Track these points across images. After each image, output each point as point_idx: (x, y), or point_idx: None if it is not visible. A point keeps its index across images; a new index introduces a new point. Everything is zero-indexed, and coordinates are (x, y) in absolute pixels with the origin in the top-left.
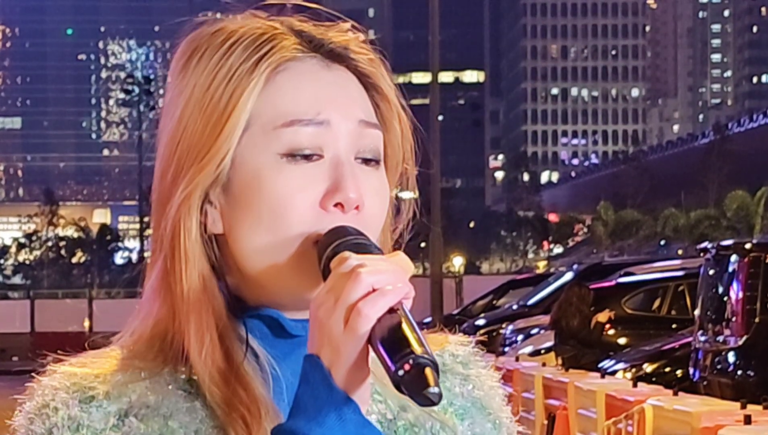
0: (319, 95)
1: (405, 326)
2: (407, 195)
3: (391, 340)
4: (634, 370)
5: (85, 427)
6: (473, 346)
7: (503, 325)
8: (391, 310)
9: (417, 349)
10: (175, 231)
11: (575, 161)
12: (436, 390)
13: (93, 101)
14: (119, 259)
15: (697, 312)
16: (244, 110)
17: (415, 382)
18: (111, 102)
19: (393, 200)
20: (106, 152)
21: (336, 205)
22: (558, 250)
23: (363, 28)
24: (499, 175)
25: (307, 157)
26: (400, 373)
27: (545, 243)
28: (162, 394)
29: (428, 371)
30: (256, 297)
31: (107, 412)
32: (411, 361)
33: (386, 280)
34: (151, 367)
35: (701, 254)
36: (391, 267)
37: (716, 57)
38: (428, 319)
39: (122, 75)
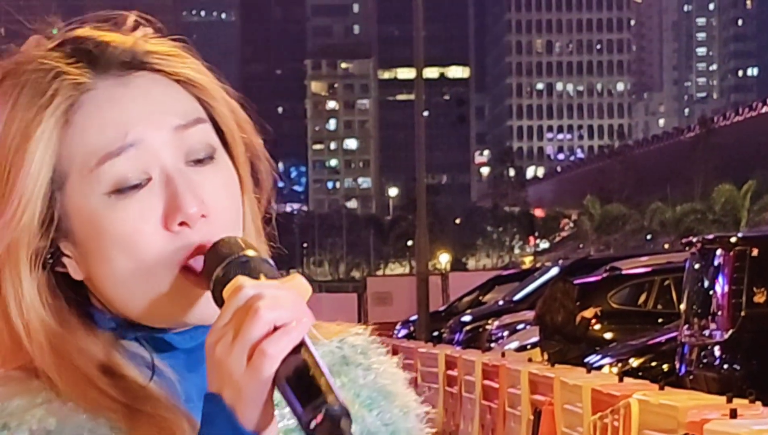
0: (121, 118)
1: (311, 367)
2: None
3: (298, 384)
4: (620, 364)
5: None
6: (369, 334)
7: (489, 321)
8: (295, 347)
9: (328, 397)
10: (12, 298)
11: (561, 156)
12: None
13: None
14: None
15: (682, 306)
16: (40, 166)
17: (329, 433)
18: None
19: (247, 172)
20: None
21: (180, 224)
22: (544, 245)
23: (146, 17)
24: (485, 170)
25: (136, 186)
26: (312, 425)
27: (531, 238)
28: (62, 416)
29: (344, 423)
30: (136, 319)
31: None
32: (323, 412)
33: (287, 316)
34: (47, 387)
35: (687, 248)
36: (290, 296)
37: (701, 50)
38: (414, 317)
39: None
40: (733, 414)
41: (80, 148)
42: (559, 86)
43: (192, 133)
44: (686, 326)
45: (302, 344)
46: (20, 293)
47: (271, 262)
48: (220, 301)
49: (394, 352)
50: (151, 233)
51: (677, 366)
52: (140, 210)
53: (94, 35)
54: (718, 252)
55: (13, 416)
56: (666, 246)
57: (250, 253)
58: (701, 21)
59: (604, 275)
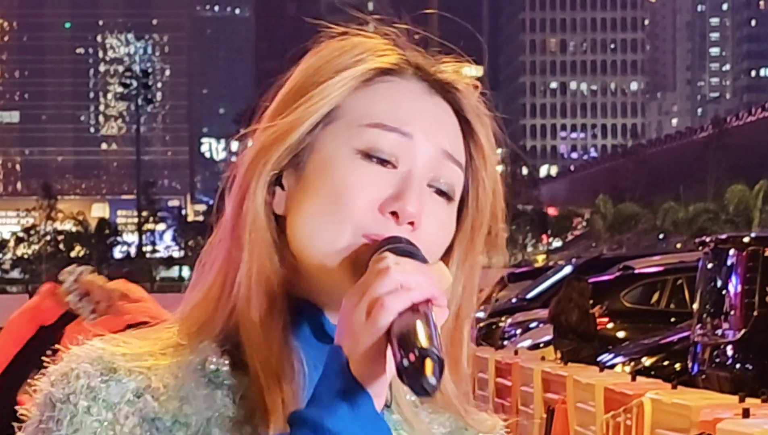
0: (412, 111)
1: (422, 323)
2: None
3: (405, 334)
4: (632, 363)
5: (101, 399)
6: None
7: (502, 319)
8: (416, 310)
9: (424, 342)
10: (242, 197)
11: (574, 155)
12: (432, 381)
13: (91, 95)
14: (118, 253)
15: (695, 306)
16: (328, 99)
17: (415, 372)
18: (109, 96)
19: (477, 267)
20: (104, 146)
21: (393, 213)
22: (557, 243)
23: (477, 76)
24: (498, 168)
25: (382, 162)
26: (404, 362)
27: (544, 237)
28: (184, 378)
29: (428, 362)
30: (303, 288)
31: (125, 387)
32: (416, 352)
33: (414, 280)
34: (182, 351)
35: (699, 248)
36: (425, 271)
37: (715, 50)
38: None
39: (120, 69)
40: (746, 413)
41: (364, 106)
42: (572, 85)
43: (450, 167)
44: (699, 325)
45: (423, 311)
46: (255, 194)
47: (425, 257)
48: None
49: None
50: (366, 203)
51: (690, 365)
52: (371, 179)
53: (436, 59)
54: (731, 252)
55: (138, 366)
56: (678, 245)
57: (409, 247)
58: (715, 21)
59: (617, 274)
